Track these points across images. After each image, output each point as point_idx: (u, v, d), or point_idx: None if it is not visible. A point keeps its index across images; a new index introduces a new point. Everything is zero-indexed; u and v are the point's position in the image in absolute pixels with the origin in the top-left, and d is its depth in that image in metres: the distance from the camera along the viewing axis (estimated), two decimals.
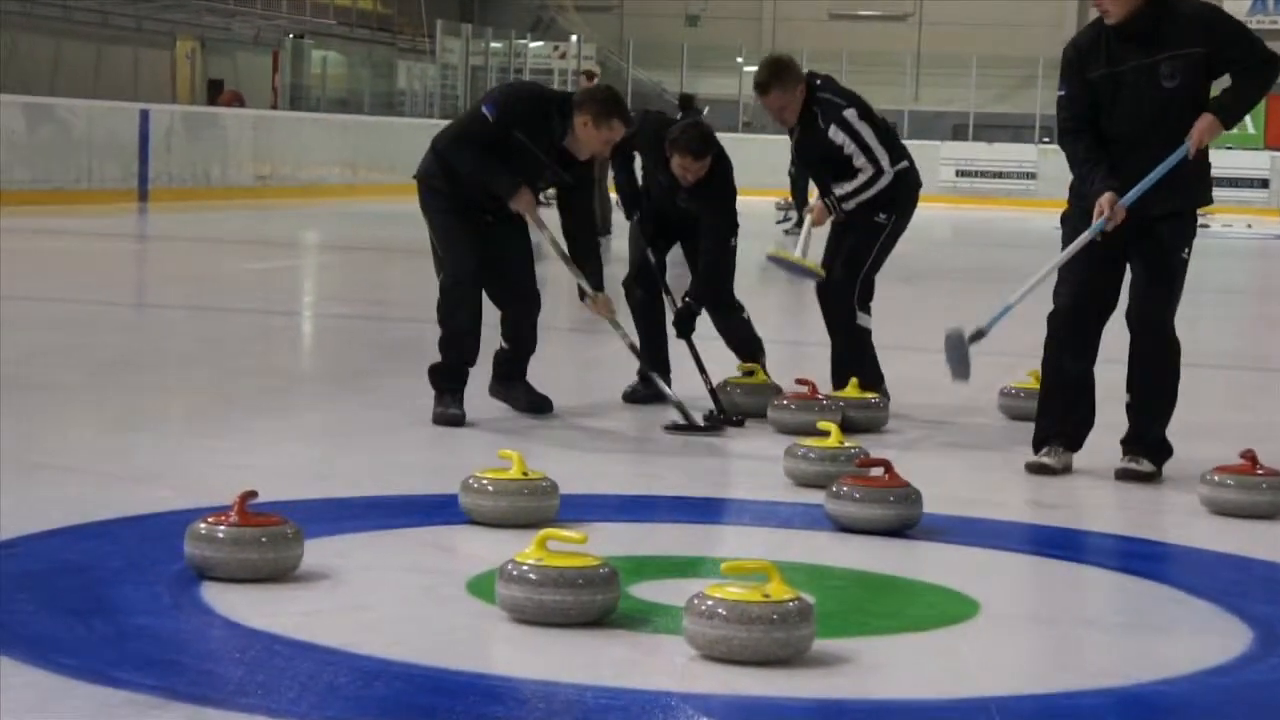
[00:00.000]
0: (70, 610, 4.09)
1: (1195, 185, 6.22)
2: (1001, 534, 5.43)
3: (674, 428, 6.88)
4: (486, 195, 6.82)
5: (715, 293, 7.50)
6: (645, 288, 7.61)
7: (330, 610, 4.26)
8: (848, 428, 6.61)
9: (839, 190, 7.36)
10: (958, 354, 6.50)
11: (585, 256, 7.00)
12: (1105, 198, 6.08)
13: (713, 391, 7.15)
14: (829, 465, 5.85)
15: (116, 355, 9.07)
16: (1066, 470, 6.23)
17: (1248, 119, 33.29)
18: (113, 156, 22.09)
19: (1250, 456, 5.80)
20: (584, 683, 3.74)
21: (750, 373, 7.47)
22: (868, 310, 7.52)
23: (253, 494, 4.50)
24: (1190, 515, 5.75)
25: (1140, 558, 5.22)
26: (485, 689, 3.70)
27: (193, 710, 3.46)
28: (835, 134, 7.34)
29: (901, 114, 36.45)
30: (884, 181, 7.37)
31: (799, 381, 7.13)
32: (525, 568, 4.14)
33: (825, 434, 6.01)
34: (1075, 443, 6.30)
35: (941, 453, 6.84)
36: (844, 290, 7.46)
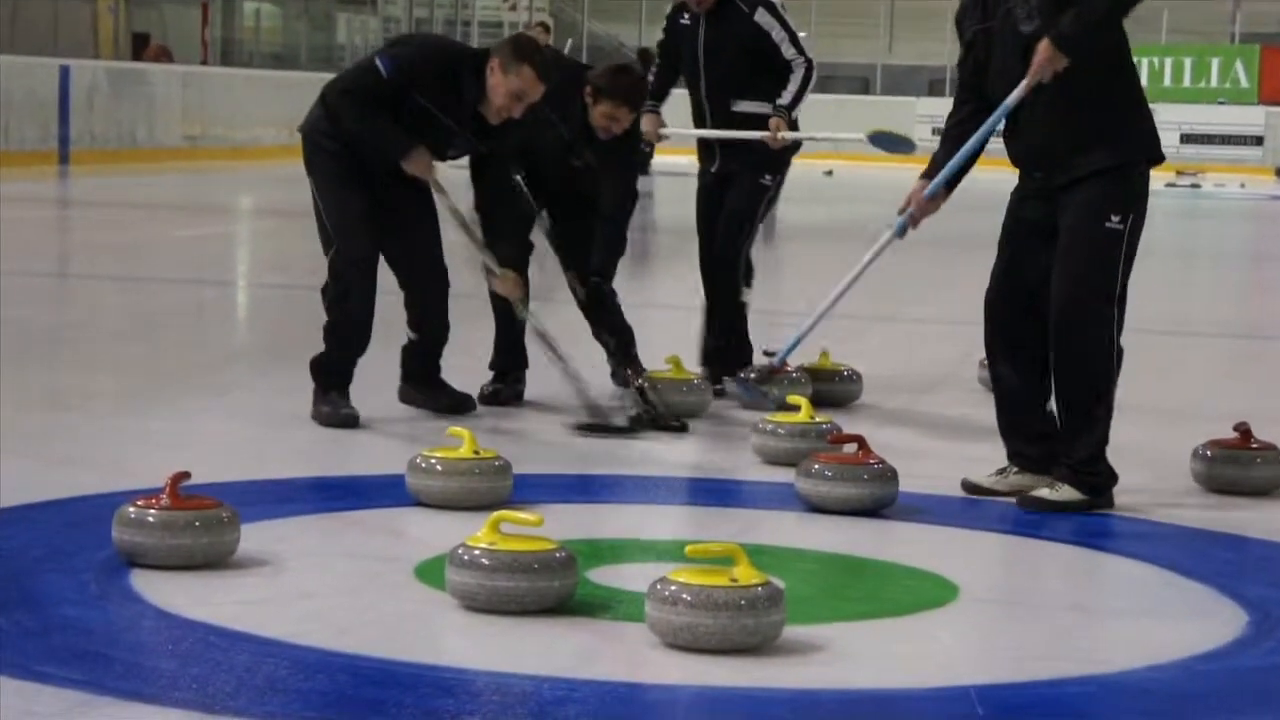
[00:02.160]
0: None
1: (1115, 136, 5.45)
2: (982, 514, 5.45)
3: (586, 428, 6.41)
4: (381, 158, 6.37)
5: (614, 265, 6.98)
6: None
7: (269, 599, 4.26)
8: (819, 402, 6.62)
9: (783, 99, 7.16)
10: (745, 388, 6.18)
11: (499, 235, 6.55)
12: (913, 187, 5.74)
13: (581, 388, 6.56)
14: (799, 442, 5.87)
15: (37, 330, 9.02)
16: (1015, 493, 5.55)
17: (1239, 70, 33.43)
18: (30, 116, 21.93)
19: (1244, 430, 5.83)
20: (540, 674, 3.74)
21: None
22: (750, 284, 7.41)
23: (185, 475, 4.49)
24: (1182, 492, 5.78)
25: (1129, 538, 5.26)
26: (435, 681, 3.70)
27: (123, 706, 3.46)
28: (763, 17, 7.17)
29: (874, 69, 36.50)
30: (814, 79, 7.24)
31: (766, 354, 7.14)
32: (477, 552, 4.14)
33: (795, 409, 6.02)
34: (1039, 465, 5.60)
35: (918, 428, 6.86)
36: (733, 260, 7.28)
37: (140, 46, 29.58)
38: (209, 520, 4.42)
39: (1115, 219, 5.41)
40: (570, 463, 6.05)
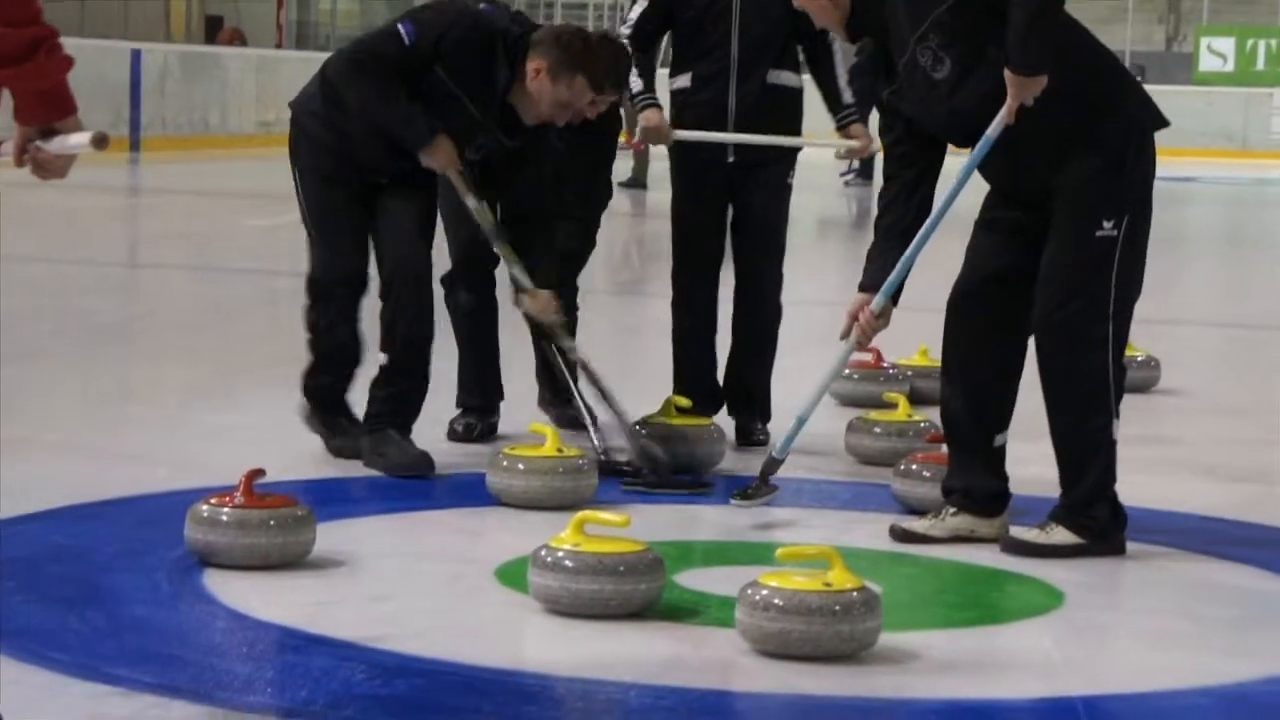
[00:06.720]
0: (62, 600, 4.13)
1: (1085, 140, 4.78)
2: None
3: (616, 469, 5.66)
4: (382, 150, 5.62)
5: (574, 275, 6.30)
6: (476, 287, 6.13)
7: (346, 600, 4.29)
8: (916, 399, 6.59)
9: (847, 97, 6.17)
10: (760, 499, 5.48)
11: (534, 249, 5.74)
12: (855, 301, 5.09)
13: (631, 430, 5.72)
14: (896, 441, 5.85)
15: (108, 321, 9.11)
16: (955, 538, 4.97)
17: None
18: (101, 101, 22.12)
19: None
20: (626, 680, 3.75)
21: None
22: None
23: (260, 473, 4.52)
24: None
25: (1243, 543, 5.20)
26: (517, 687, 3.71)
27: (195, 709, 3.49)
28: None
29: None
30: None
31: (862, 349, 7.10)
32: (561, 554, 4.14)
33: (892, 406, 6.00)
34: (983, 508, 5.02)
35: (1020, 426, 6.80)
36: (777, 278, 6.28)
37: (213, 30, 29.87)
38: (284, 519, 4.45)
39: (1108, 224, 4.76)
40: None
